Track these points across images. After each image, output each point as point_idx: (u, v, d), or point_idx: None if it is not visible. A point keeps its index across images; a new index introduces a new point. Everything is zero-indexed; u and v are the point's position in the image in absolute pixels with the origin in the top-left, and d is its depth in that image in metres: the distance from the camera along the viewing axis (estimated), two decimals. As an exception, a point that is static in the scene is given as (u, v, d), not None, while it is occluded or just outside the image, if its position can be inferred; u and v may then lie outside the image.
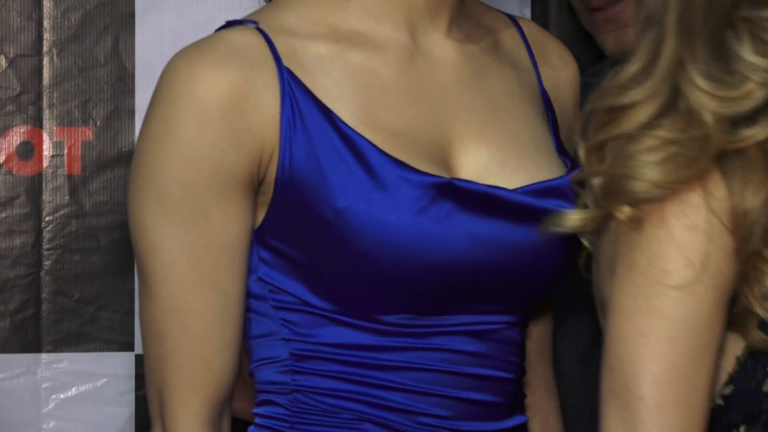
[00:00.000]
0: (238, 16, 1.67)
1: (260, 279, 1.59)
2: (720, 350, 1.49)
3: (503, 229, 1.59)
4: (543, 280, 1.63)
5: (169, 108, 1.53)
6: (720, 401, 1.50)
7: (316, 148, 1.55)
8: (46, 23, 2.42)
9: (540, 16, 2.49)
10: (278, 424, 1.60)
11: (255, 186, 1.56)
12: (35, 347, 2.42)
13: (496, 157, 1.61)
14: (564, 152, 1.66)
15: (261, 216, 1.57)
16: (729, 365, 1.50)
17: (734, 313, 1.50)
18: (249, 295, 1.61)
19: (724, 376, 1.50)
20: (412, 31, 1.60)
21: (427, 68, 1.62)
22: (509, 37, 1.72)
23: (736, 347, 1.51)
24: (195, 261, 1.54)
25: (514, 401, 1.66)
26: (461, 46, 1.64)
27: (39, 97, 2.43)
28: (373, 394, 1.60)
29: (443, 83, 1.62)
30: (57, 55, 2.43)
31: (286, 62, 1.54)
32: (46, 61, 2.43)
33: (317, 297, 1.58)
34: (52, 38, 2.43)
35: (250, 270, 1.59)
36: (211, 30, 1.69)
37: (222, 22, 1.66)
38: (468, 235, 1.57)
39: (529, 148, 1.64)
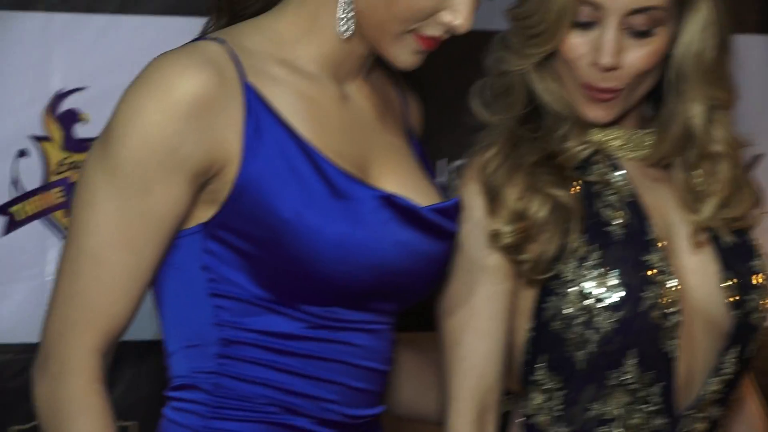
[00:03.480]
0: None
1: (204, 267, 1.82)
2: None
3: (419, 240, 1.90)
4: (429, 286, 1.97)
5: (145, 97, 1.77)
6: (530, 333, 2.05)
7: (276, 157, 1.81)
8: None
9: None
10: (199, 407, 1.87)
11: (201, 179, 1.80)
12: None
13: (403, 184, 1.93)
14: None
15: (212, 211, 1.81)
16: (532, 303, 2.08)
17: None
18: (182, 282, 1.86)
19: (528, 315, 2.06)
20: (340, 78, 1.92)
21: (351, 109, 1.94)
22: (389, 85, 2.07)
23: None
24: (124, 224, 1.78)
25: (382, 391, 1.98)
26: (369, 95, 1.98)
27: None
28: (287, 381, 1.85)
29: (362, 122, 1.95)
30: None
31: (248, 77, 1.81)
32: None
33: (257, 286, 1.82)
34: None
35: (192, 259, 1.84)
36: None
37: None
38: (397, 242, 1.86)
39: (422, 179, 1.99)
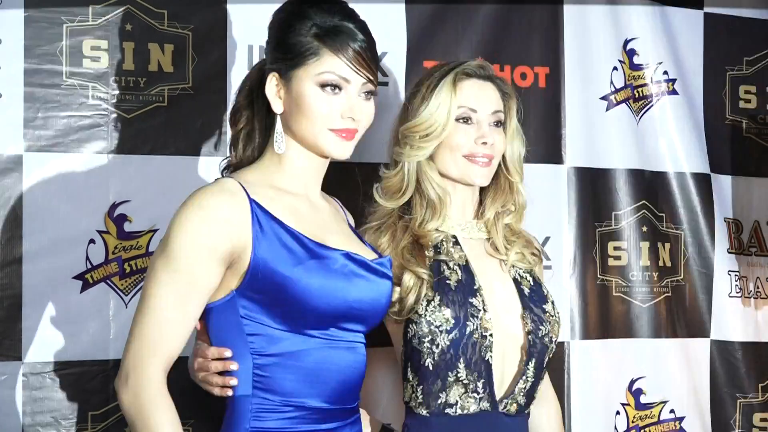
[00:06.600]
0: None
1: (241, 316, 2.38)
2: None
3: (373, 281, 2.54)
4: (381, 311, 2.59)
5: (190, 212, 2.36)
6: (402, 348, 2.74)
7: (273, 241, 2.39)
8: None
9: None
10: (245, 413, 2.43)
11: (227, 261, 2.36)
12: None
13: (354, 249, 2.57)
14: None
15: (238, 280, 2.37)
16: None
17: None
18: (231, 327, 2.39)
19: (401, 337, 2.73)
20: (306, 190, 2.57)
21: (317, 210, 2.58)
22: (336, 205, 2.79)
23: None
24: (176, 292, 2.33)
25: (359, 388, 2.56)
26: (325, 206, 2.64)
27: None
28: (296, 388, 2.41)
29: (323, 218, 2.60)
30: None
31: (252, 196, 2.42)
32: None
33: (275, 321, 2.39)
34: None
35: (234, 312, 2.38)
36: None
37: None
38: (357, 280, 2.47)
39: (364, 246, 2.67)
